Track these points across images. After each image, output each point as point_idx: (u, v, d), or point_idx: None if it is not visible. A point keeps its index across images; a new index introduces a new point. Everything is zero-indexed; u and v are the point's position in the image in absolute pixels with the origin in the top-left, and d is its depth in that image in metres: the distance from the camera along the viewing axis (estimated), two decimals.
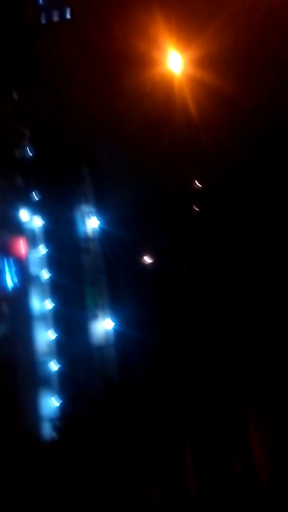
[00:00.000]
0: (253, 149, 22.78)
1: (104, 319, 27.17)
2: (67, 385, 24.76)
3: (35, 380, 24.67)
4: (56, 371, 25.06)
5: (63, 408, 23.94)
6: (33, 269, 26.98)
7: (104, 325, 27.12)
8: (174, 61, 20.40)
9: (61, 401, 24.17)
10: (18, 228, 26.65)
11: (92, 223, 28.45)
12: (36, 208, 26.90)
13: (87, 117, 23.87)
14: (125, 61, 20.49)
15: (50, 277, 26.75)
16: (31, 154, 26.56)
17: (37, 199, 28.12)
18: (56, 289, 26.68)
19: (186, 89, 19.13)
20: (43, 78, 23.33)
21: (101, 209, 27.92)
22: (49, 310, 26.19)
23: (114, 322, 26.94)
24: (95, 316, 27.36)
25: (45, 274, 26.91)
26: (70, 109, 23.99)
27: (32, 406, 23.67)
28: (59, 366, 25.05)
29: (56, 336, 25.65)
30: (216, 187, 26.21)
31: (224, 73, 18.34)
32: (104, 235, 27.90)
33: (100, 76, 21.66)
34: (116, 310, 27.08)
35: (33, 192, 26.61)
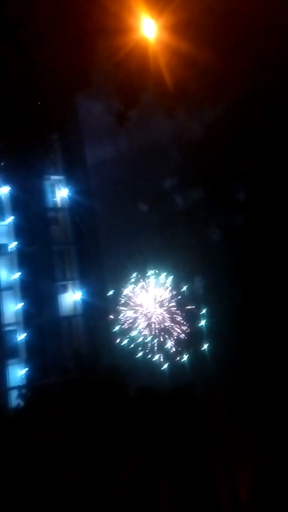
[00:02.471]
0: (228, 119, 22.83)
1: (72, 290, 27.17)
2: (35, 354, 24.81)
3: (3, 349, 24.54)
4: (24, 340, 25.02)
5: (30, 377, 24.06)
6: (0, 238, 26.40)
7: (72, 296, 27.14)
8: (148, 27, 19.87)
9: (28, 370, 24.24)
10: None
11: (61, 193, 28.00)
12: (2, 176, 26.10)
13: (58, 82, 23.08)
14: (98, 27, 19.79)
15: (17, 246, 26.27)
16: None
17: (4, 166, 27.20)
18: (23, 259, 26.28)
19: (160, 56, 18.77)
20: (12, 38, 22.21)
21: (71, 179, 27.47)
22: (17, 280, 25.86)
23: (82, 292, 26.99)
24: (63, 287, 27.31)
25: (12, 244, 26.41)
26: (40, 73, 23.07)
27: (0, 375, 23.61)
28: (27, 335, 25.00)
29: (24, 306, 25.46)
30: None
31: (199, 40, 18.07)
32: (73, 205, 27.55)
33: (72, 40, 20.88)
34: (84, 281, 27.09)
35: (1, 159, 25.78)
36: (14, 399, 21.95)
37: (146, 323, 26.91)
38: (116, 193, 26.83)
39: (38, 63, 22.05)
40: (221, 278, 26.88)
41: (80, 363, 22.30)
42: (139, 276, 27.04)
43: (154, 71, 18.70)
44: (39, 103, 24.82)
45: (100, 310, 26.73)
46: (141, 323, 26.81)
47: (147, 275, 27.41)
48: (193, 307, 27.08)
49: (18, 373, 24.61)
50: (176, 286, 27.00)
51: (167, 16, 17.84)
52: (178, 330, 26.82)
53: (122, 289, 25.90)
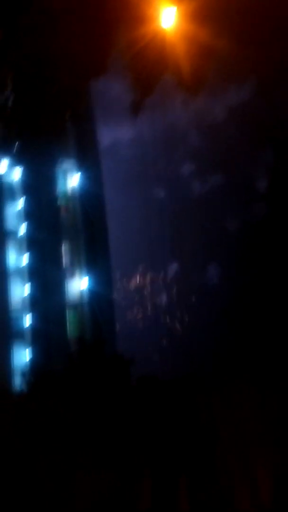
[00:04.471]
0: (252, 104, 22.35)
1: (79, 278, 27.30)
2: (40, 339, 25.07)
3: (8, 333, 24.84)
4: (30, 326, 25.27)
5: (34, 362, 24.34)
6: (10, 223, 26.55)
7: (79, 284, 27.27)
8: (168, 16, 19.67)
9: (33, 355, 24.52)
10: None
11: (73, 181, 28.02)
12: (15, 160, 26.17)
13: (73, 68, 23.02)
14: (117, 16, 19.66)
15: (27, 232, 26.42)
16: (13, 103, 25.48)
17: (17, 151, 27.26)
18: (32, 245, 26.44)
19: (179, 45, 18.60)
20: (30, 23, 22.20)
21: (83, 165, 27.43)
22: (25, 265, 26.05)
23: (89, 281, 27.10)
24: (71, 275, 27.44)
25: (22, 229, 26.56)
26: (57, 60, 23.06)
27: (4, 359, 23.95)
28: (33, 320, 25.25)
29: (31, 292, 25.68)
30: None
31: (219, 30, 17.84)
32: (85, 193, 27.56)
33: (89, 28, 20.79)
34: (92, 269, 27.17)
35: (13, 144, 25.81)
36: (18, 382, 22.25)
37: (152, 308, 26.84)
38: (129, 178, 26.66)
39: (54, 48, 22.03)
40: (235, 271, 26.49)
41: (84, 350, 22.51)
42: (148, 265, 27.00)
43: (172, 60, 18.55)
44: (54, 88, 24.81)
45: (106, 298, 26.86)
46: (147, 309, 26.77)
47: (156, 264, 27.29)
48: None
49: (22, 357, 24.90)
50: (186, 275, 26.81)
51: (187, 4, 17.62)
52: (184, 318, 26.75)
53: (130, 277, 25.96)
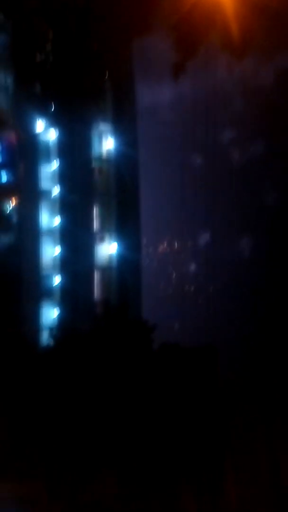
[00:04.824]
0: None
1: (109, 241, 27.47)
2: (67, 299, 25.69)
3: (38, 291, 25.54)
4: (58, 285, 25.88)
5: (61, 320, 25.09)
6: (44, 183, 26.73)
7: (108, 248, 27.48)
8: None
9: (60, 313, 25.25)
10: (30, 138, 25.97)
11: (108, 143, 27.72)
12: (51, 120, 26.00)
13: (117, 29, 22.34)
14: None
15: (60, 193, 26.59)
16: (52, 61, 25.11)
17: (54, 111, 27.04)
18: (65, 206, 26.64)
19: (228, 5, 17.60)
20: None
21: (119, 128, 27.01)
22: (57, 226, 26.38)
23: (118, 245, 27.27)
24: (101, 238, 27.65)
25: (56, 190, 26.73)
26: (99, 17, 22.40)
27: (33, 315, 24.79)
28: (62, 280, 25.81)
29: (61, 252, 26.12)
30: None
31: None
32: (120, 157, 27.27)
33: None
34: (122, 234, 27.25)
35: (51, 102, 25.60)
36: (45, 338, 23.05)
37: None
38: (167, 142, 25.93)
39: (96, 4, 21.41)
40: (268, 246, 25.72)
41: (109, 313, 22.94)
42: (179, 233, 26.66)
43: (220, 20, 17.64)
44: (95, 46, 24.28)
45: (134, 263, 27.02)
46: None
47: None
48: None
49: (50, 315, 25.66)
50: (217, 246, 26.33)
51: None
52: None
53: (159, 245, 25.82)
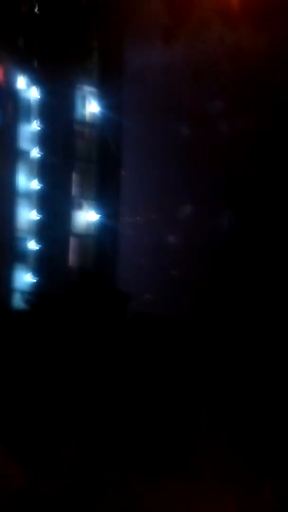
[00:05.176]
0: None
1: (88, 208, 27.05)
2: (42, 264, 25.39)
3: (12, 255, 25.14)
4: (33, 250, 25.49)
5: (34, 284, 24.86)
6: (23, 144, 25.87)
7: (86, 214, 27.08)
8: None
9: (35, 277, 25.01)
10: (12, 95, 24.97)
11: (91, 107, 26.90)
12: (34, 77, 24.99)
13: None
14: None
15: (39, 154, 25.82)
16: (38, 14, 24.00)
17: (37, 68, 26.02)
18: (44, 169, 25.96)
19: None
20: None
21: (104, 92, 26.20)
22: (34, 188, 25.75)
23: (98, 214, 26.87)
24: (80, 204, 27.17)
25: (35, 152, 25.94)
26: None
27: (7, 279, 24.50)
28: (37, 245, 25.41)
29: (38, 216, 25.61)
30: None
31: None
32: (103, 121, 26.54)
33: None
34: (101, 202, 26.85)
35: (34, 59, 24.54)
36: (18, 301, 22.87)
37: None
38: (153, 109, 25.28)
39: None
40: (250, 223, 25.58)
41: (83, 280, 22.84)
42: (160, 204, 26.34)
43: None
44: (83, 3, 23.48)
45: (112, 232, 26.77)
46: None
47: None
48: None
49: (22, 278, 25.36)
50: (198, 219, 26.14)
51: None
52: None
53: (139, 214, 25.56)
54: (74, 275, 24.23)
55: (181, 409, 16.67)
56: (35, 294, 21.93)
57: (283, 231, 25.33)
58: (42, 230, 25.57)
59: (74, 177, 26.87)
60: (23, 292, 23.30)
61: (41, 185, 25.74)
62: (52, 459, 14.22)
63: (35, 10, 24.57)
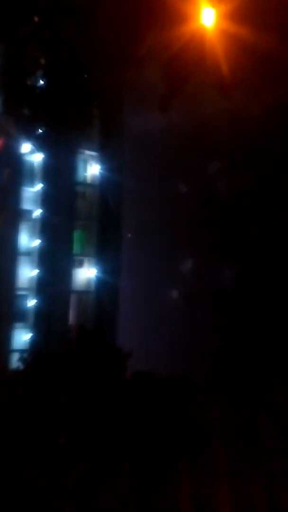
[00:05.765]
0: None
1: (88, 266, 27.40)
2: (41, 322, 25.27)
3: (11, 312, 25.07)
4: (33, 307, 25.48)
5: (34, 343, 24.58)
6: (25, 203, 26.72)
7: (87, 272, 27.38)
8: (207, 16, 19.42)
9: (32, 335, 24.77)
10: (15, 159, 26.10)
11: (93, 169, 28.07)
12: (38, 142, 26.28)
13: (108, 61, 23.02)
14: (154, 14, 19.53)
15: (41, 214, 26.57)
16: (42, 85, 25.56)
17: (41, 134, 27.33)
18: (45, 227, 26.60)
19: (218, 44, 18.35)
20: (67, 6, 22.28)
21: (105, 156, 27.45)
22: (36, 247, 26.22)
23: (98, 270, 27.21)
24: (79, 262, 27.57)
25: (37, 211, 26.73)
26: (91, 45, 23.04)
27: (4, 337, 24.21)
28: (37, 302, 25.45)
29: (38, 274, 25.87)
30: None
31: (260, 26, 17.50)
32: (104, 182, 27.57)
33: (128, 24, 20.73)
34: (101, 259, 27.25)
35: (38, 126, 25.92)
36: (15, 361, 22.47)
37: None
38: (154, 169, 26.11)
39: (90, 34, 22.00)
40: (250, 278, 25.62)
41: (83, 337, 22.64)
42: (161, 260, 26.47)
43: (210, 59, 18.33)
44: (85, 75, 24.81)
45: (112, 289, 26.91)
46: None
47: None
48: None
49: (22, 337, 25.13)
50: (198, 275, 26.15)
51: (227, 2, 17.38)
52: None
53: (139, 271, 25.65)
54: (74, 333, 24.04)
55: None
56: (35, 353, 21.61)
57: (282, 290, 25.40)
58: (42, 288, 25.71)
59: (75, 234, 27.51)
60: (22, 351, 22.98)
61: (43, 243, 26.19)
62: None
63: (40, 82, 26.04)
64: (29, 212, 26.65)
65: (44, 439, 16.38)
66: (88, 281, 27.73)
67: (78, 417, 17.14)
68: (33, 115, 26.78)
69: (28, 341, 25.06)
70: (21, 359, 22.02)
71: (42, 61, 24.80)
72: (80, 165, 28.14)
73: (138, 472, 16.59)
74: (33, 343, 24.83)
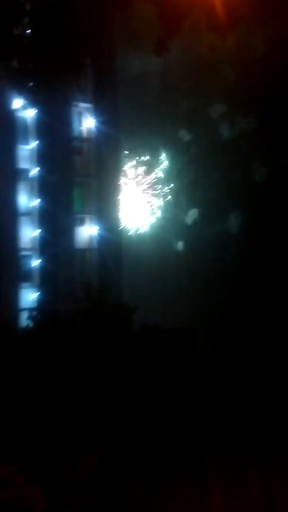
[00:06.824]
0: None
1: (90, 222, 27.16)
2: (47, 281, 25.42)
3: (17, 273, 25.16)
4: (38, 266, 25.54)
5: (41, 301, 24.85)
6: (22, 162, 26.04)
7: (89, 229, 27.19)
8: None
9: (39, 294, 25.00)
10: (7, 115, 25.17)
11: (88, 122, 27.14)
12: (29, 96, 25.19)
13: (98, 4, 21.62)
14: None
15: (39, 173, 25.98)
16: (30, 34, 24.15)
17: (32, 88, 26.12)
18: (44, 186, 26.10)
19: None
20: None
21: (100, 107, 26.43)
22: (35, 207, 25.87)
23: (99, 227, 27.01)
24: (81, 220, 27.31)
25: (34, 170, 26.10)
26: None
27: (12, 297, 24.46)
28: (41, 262, 25.47)
29: (40, 233, 25.69)
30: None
31: None
32: (100, 136, 26.74)
33: None
34: (103, 215, 26.96)
35: (29, 79, 24.74)
36: (24, 319, 22.79)
37: None
38: (153, 114, 25.13)
39: None
40: (257, 223, 25.14)
41: (90, 294, 22.81)
42: (166, 210, 25.96)
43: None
44: (74, 21, 23.51)
45: (115, 245, 26.82)
46: None
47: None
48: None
49: (29, 296, 25.35)
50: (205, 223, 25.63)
51: None
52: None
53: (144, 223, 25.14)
54: (80, 291, 24.18)
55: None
56: (42, 312, 21.87)
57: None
58: (45, 247, 25.60)
59: (74, 192, 27.02)
60: (30, 310, 23.24)
61: (42, 203, 25.80)
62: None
63: (27, 31, 24.71)
64: (26, 171, 26.04)
65: (65, 395, 16.71)
66: (91, 238, 27.58)
67: (92, 371, 17.50)
68: (22, 67, 25.54)
69: (35, 300, 25.31)
70: (30, 317, 22.34)
71: (28, 7, 23.33)
72: (75, 119, 27.18)
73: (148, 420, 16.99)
74: (41, 301, 25.10)
